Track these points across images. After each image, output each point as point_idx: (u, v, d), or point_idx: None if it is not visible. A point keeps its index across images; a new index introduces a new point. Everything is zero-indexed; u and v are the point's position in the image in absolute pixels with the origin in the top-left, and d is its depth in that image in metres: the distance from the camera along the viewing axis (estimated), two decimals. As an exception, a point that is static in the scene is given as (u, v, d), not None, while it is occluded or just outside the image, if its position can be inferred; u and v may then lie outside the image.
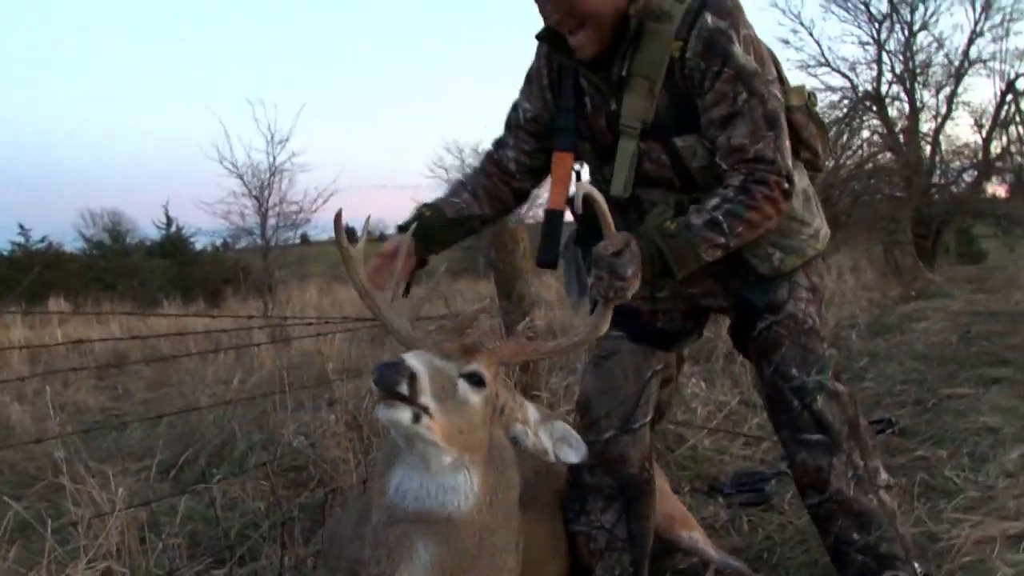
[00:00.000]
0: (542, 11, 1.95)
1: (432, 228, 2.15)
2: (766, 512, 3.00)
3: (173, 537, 2.63)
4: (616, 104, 2.01)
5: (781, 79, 2.05)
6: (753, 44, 1.92)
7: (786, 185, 1.89)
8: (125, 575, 2.30)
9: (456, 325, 1.92)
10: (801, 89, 2.14)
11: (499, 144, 2.29)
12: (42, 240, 23.79)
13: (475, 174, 2.30)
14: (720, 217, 1.85)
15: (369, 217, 2.06)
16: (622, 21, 1.91)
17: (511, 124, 2.27)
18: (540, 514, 2.17)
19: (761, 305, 2.09)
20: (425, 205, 2.21)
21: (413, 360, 1.60)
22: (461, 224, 2.22)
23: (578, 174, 2.20)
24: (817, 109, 2.20)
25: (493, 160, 2.29)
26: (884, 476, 2.10)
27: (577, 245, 2.27)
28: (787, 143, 1.93)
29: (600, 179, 2.17)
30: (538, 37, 2.10)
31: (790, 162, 1.93)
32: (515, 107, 2.27)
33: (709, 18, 1.86)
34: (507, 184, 2.28)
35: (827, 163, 2.21)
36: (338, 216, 1.86)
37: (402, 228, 2.14)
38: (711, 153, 1.97)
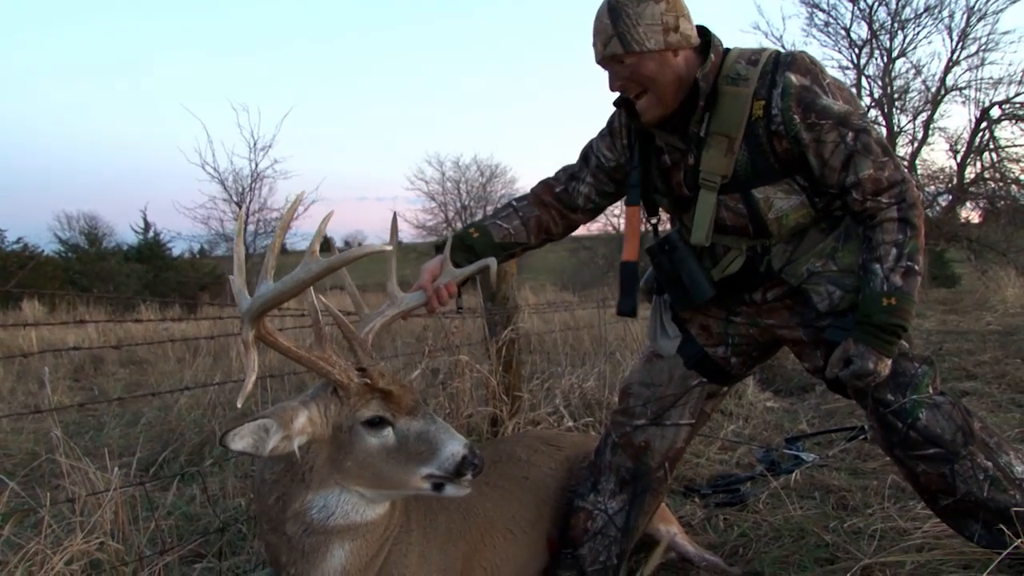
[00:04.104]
0: (609, 80, 2.05)
1: (475, 248, 2.23)
2: (741, 512, 3.06)
3: (164, 519, 2.65)
4: (695, 160, 2.09)
5: None
6: (838, 88, 2.00)
7: (919, 193, 1.96)
8: (120, 551, 2.32)
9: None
10: None
11: (571, 177, 2.34)
12: (17, 241, 23.58)
13: (529, 203, 2.34)
14: (908, 262, 1.93)
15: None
16: (691, 86, 2.01)
17: (591, 164, 2.32)
18: (501, 498, 2.25)
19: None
20: (474, 225, 2.27)
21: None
22: (505, 249, 2.29)
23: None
24: None
25: (555, 192, 2.33)
26: (1021, 467, 2.03)
27: (658, 295, 2.36)
28: (898, 158, 2.00)
29: (681, 227, 2.24)
30: (616, 103, 2.18)
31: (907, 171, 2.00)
32: (594, 149, 2.32)
33: (793, 77, 1.95)
34: (565, 217, 2.35)
35: None
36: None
37: (438, 248, 2.18)
38: (812, 199, 2.04)
